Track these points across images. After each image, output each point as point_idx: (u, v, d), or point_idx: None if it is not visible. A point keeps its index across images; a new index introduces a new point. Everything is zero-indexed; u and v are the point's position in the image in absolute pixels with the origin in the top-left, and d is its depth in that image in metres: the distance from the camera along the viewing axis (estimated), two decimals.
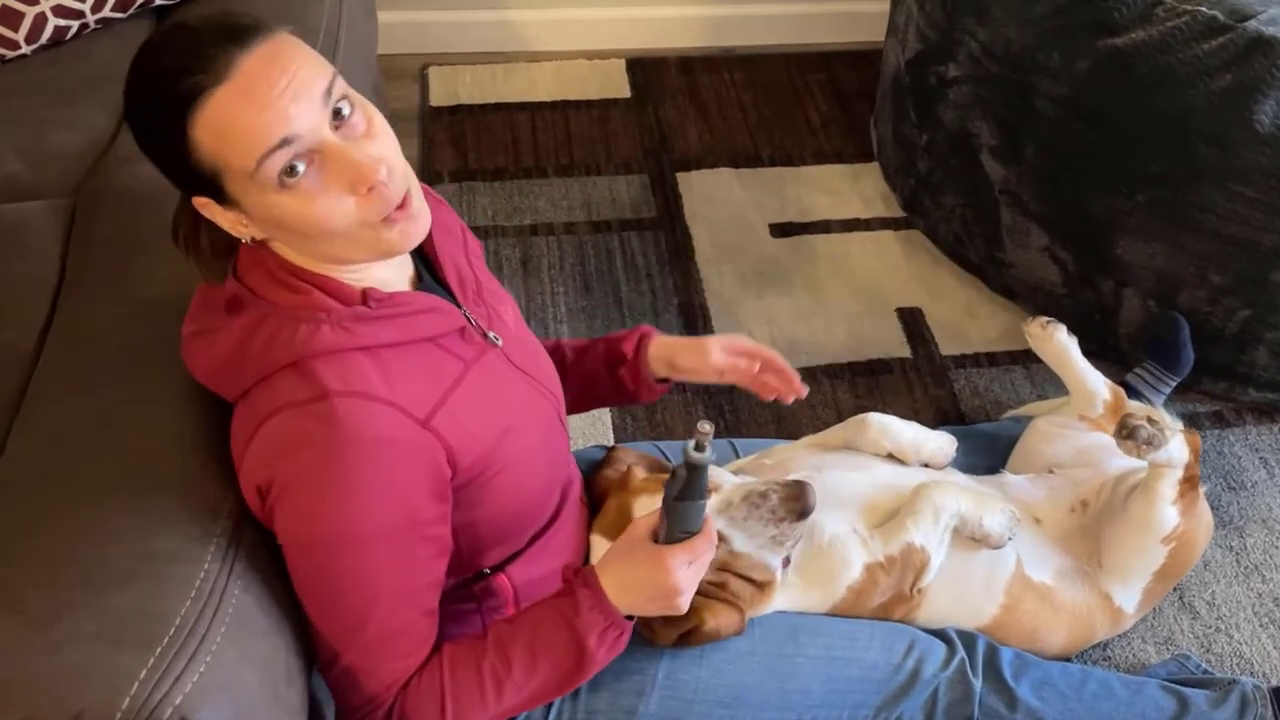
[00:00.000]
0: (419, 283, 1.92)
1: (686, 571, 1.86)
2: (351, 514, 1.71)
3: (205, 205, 1.70)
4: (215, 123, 1.58)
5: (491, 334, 1.95)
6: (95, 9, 3.05)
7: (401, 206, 1.69)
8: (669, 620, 2.07)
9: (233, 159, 1.60)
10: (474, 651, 1.89)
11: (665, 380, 2.36)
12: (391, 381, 1.74)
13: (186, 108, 1.58)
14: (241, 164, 1.60)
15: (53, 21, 3.00)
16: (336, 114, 1.64)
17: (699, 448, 1.77)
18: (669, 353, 2.34)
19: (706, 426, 1.75)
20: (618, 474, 2.30)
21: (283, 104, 1.59)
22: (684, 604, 1.88)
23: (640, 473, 2.24)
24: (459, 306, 1.92)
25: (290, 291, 1.75)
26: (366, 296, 1.76)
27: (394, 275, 1.86)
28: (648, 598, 1.88)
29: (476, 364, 1.89)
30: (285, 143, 1.59)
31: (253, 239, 1.75)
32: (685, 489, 1.82)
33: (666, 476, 2.10)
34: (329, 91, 1.63)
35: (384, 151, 1.67)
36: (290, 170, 1.61)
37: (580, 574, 1.91)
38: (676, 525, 1.85)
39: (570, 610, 1.89)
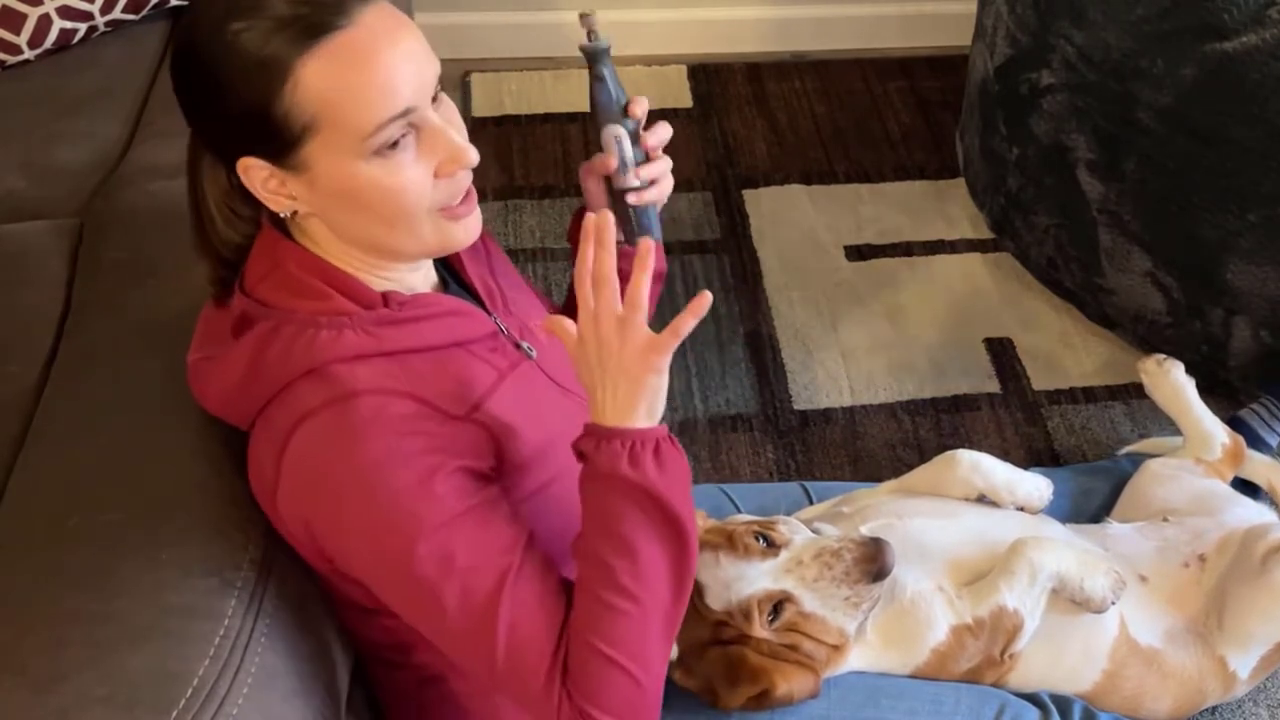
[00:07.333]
0: (444, 289, 1.93)
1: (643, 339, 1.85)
2: (411, 499, 1.67)
3: (252, 168, 1.68)
4: (335, 71, 1.59)
5: (525, 344, 1.96)
6: (105, 10, 3.06)
7: (464, 200, 1.75)
8: (735, 683, 2.05)
9: (348, 115, 1.61)
10: (578, 589, 1.72)
11: None
12: (424, 383, 1.74)
13: (305, 41, 1.58)
14: (355, 123, 1.61)
15: (58, 24, 3.01)
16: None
17: (591, 35, 1.84)
18: None
19: (587, 11, 1.84)
20: None
21: (408, 69, 1.63)
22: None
23: (700, 521, 2.22)
24: (489, 315, 1.93)
25: (308, 296, 1.75)
26: (388, 300, 1.77)
27: (419, 281, 1.87)
28: (642, 389, 1.78)
29: (512, 373, 1.89)
30: (407, 112, 1.63)
31: (293, 213, 1.74)
32: (597, 99, 1.90)
33: (728, 525, 2.09)
34: (437, 75, 1.69)
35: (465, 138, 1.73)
36: (395, 142, 1.64)
37: (580, 439, 1.75)
38: (622, 176, 1.93)
39: (606, 466, 1.71)
